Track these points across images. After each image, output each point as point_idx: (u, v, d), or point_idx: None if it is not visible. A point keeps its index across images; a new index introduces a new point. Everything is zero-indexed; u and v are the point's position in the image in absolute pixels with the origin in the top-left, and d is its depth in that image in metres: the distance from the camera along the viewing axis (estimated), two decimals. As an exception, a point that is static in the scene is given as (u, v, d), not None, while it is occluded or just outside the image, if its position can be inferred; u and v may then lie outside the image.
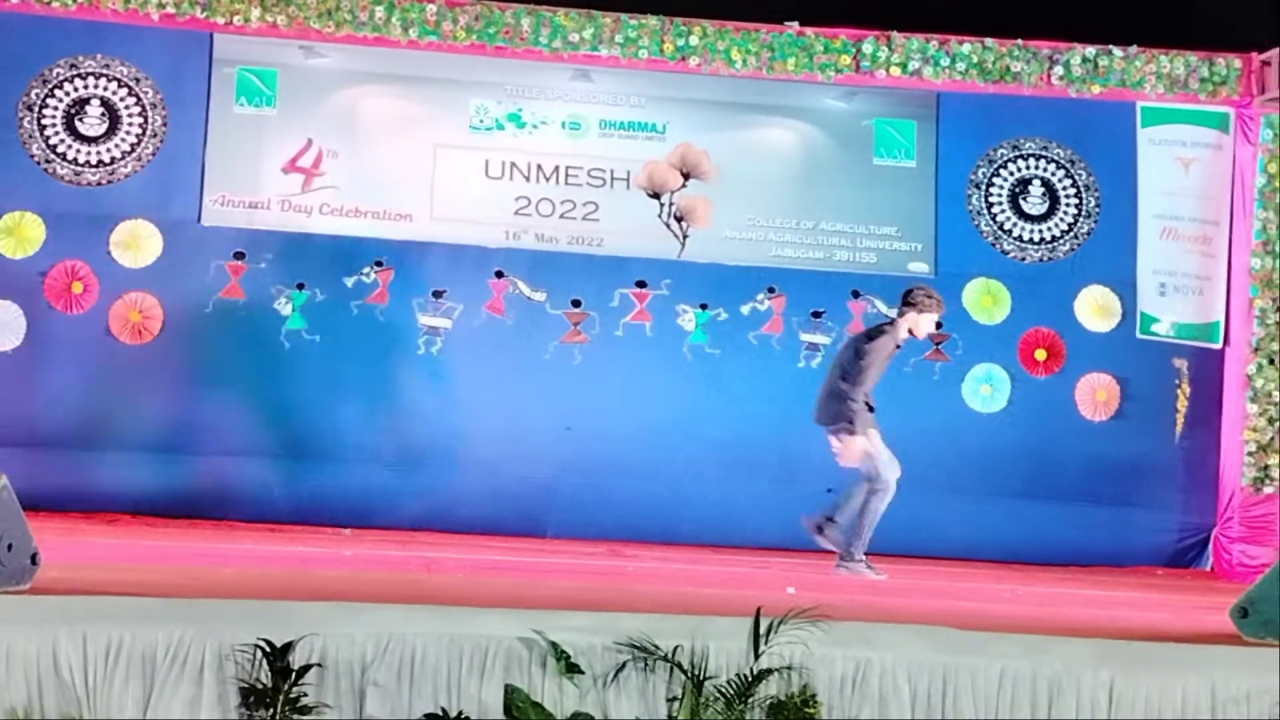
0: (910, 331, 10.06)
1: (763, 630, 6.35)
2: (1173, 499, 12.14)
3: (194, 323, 11.50)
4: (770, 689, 6.32)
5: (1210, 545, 12.04)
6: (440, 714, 6.02)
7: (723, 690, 6.24)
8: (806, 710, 6.28)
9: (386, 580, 7.91)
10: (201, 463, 11.33)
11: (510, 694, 6.09)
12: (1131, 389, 12.15)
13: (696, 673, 6.24)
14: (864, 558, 9.87)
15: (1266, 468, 11.76)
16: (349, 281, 11.62)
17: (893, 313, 11.04)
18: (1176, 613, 8.63)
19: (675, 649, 6.27)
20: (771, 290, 11.92)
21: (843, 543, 9.91)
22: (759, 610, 6.37)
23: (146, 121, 11.55)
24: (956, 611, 7.72)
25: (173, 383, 11.45)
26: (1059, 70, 11.75)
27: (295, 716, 5.92)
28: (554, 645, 6.17)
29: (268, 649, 5.93)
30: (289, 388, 11.52)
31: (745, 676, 6.28)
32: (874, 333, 10.07)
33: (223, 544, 9.72)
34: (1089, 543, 11.70)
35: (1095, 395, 12.04)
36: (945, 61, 11.71)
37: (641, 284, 11.84)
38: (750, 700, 6.26)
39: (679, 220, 11.94)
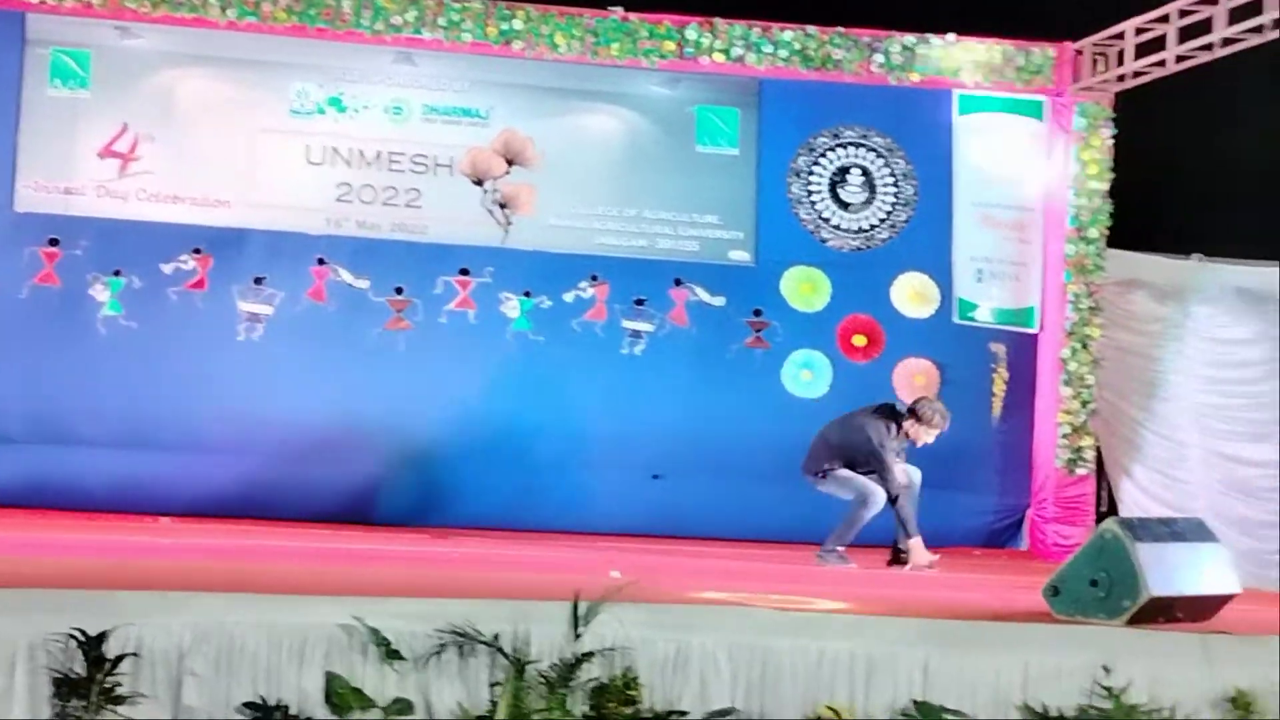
0: (908, 437, 10.29)
1: (582, 613, 6.35)
2: (989, 481, 12.36)
3: (7, 310, 11.24)
4: (593, 672, 6.31)
5: (1025, 526, 12.27)
6: (259, 703, 5.95)
7: (545, 675, 6.23)
8: (628, 693, 6.29)
9: (205, 569, 7.78)
10: (17, 451, 11.11)
11: (330, 681, 6.04)
12: (949, 374, 12.32)
13: (518, 657, 6.22)
14: (839, 550, 10.00)
15: (1080, 450, 12.01)
16: (167, 268, 11.45)
17: (716, 301, 11.18)
18: (992, 592, 8.77)
19: (496, 634, 6.24)
20: (595, 278, 11.94)
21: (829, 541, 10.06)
22: (577, 594, 6.37)
23: (-46, 103, 11.30)
24: (777, 593, 7.77)
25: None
26: (879, 58, 11.91)
27: (109, 707, 5.82)
28: (374, 631, 6.13)
29: (82, 638, 5.83)
30: (106, 375, 11.32)
31: (567, 660, 6.28)
32: (884, 415, 10.25)
33: (39, 533, 9.50)
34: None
35: (913, 380, 12.20)
36: (768, 48, 11.81)
37: (465, 271, 11.79)
38: (572, 684, 6.26)
39: (502, 207, 11.91)
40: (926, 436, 10.37)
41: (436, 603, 6.50)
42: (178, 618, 6.08)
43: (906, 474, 10.24)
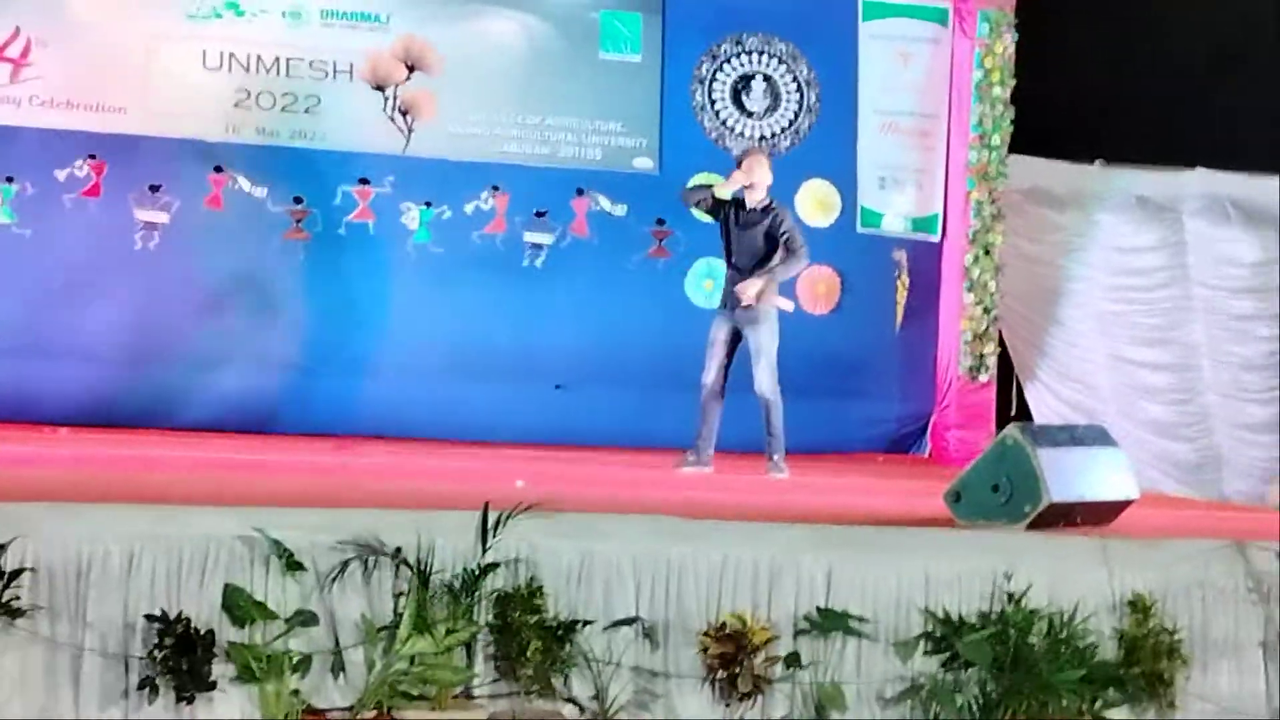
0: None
1: (490, 525, 6.32)
2: (892, 389, 12.45)
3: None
4: (497, 582, 6.29)
5: (929, 432, 12.35)
6: (160, 615, 5.88)
7: (449, 584, 6.20)
8: (533, 601, 6.27)
9: (102, 479, 7.68)
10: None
11: (231, 594, 5.98)
12: (851, 282, 12.35)
13: (423, 568, 6.19)
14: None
15: (982, 356, 12.09)
16: (60, 175, 11.23)
17: (618, 210, 11.15)
18: (894, 498, 8.83)
19: (400, 546, 6.21)
20: (496, 188, 11.84)
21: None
22: (486, 504, 6.34)
23: None
24: (679, 500, 7.79)
25: None
26: (782, -35, 11.84)
27: (8, 620, 5.74)
28: (275, 543, 6.06)
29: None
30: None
31: (472, 571, 6.25)
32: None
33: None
34: (812, 434, 11.81)
35: (815, 289, 12.21)
36: (670, -52, 11.72)
37: (365, 181, 11.65)
38: (477, 594, 6.24)
39: (403, 114, 11.75)
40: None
41: (339, 513, 6.44)
42: (75, 529, 5.99)
43: None
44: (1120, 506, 7.69)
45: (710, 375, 9.91)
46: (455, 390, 11.55)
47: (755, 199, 9.88)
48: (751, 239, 9.89)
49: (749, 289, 9.72)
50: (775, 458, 9.92)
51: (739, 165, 9.99)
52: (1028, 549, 6.87)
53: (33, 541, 5.89)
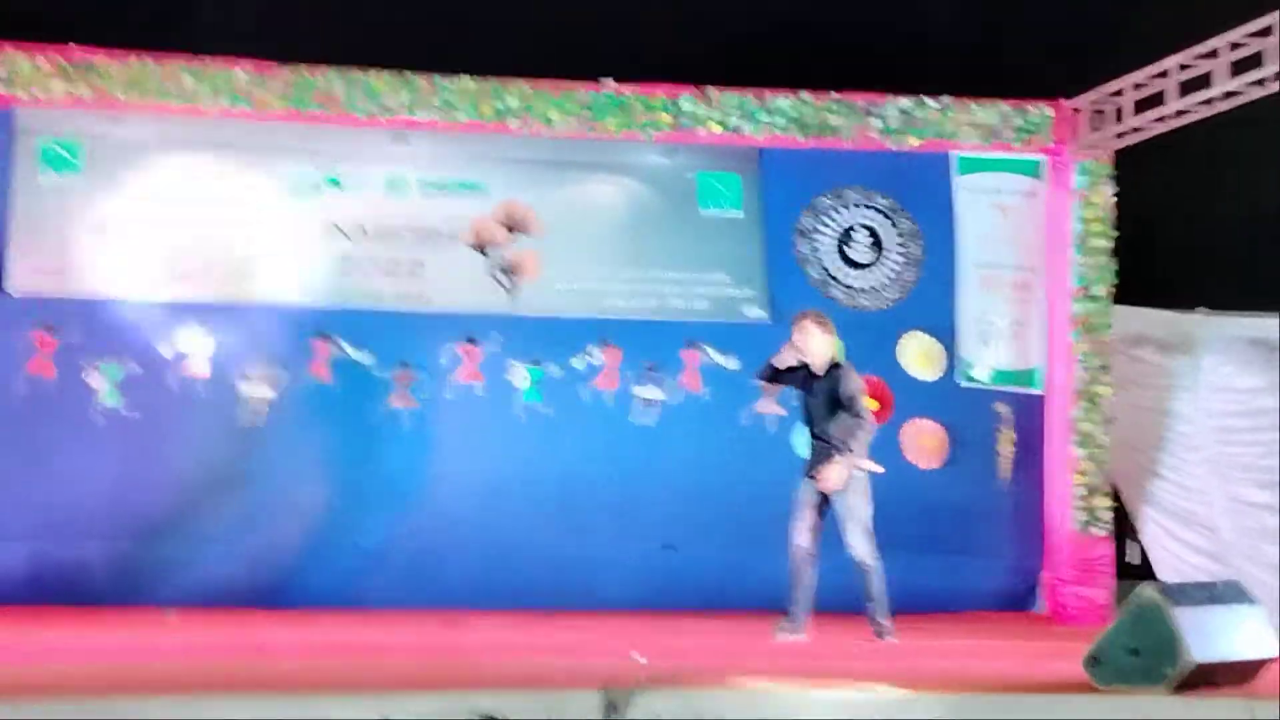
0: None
1: (613, 702, 6.18)
2: (1000, 544, 12.22)
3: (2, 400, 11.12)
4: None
5: (1039, 589, 12.11)
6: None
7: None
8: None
9: (215, 667, 7.59)
10: (16, 546, 10.90)
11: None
12: (957, 436, 12.20)
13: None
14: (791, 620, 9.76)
15: (1095, 510, 11.87)
16: (166, 353, 11.27)
17: (729, 362, 11.11)
18: (1019, 660, 8.63)
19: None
20: (604, 342, 11.82)
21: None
22: (606, 682, 6.20)
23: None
24: (805, 668, 7.63)
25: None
26: (876, 123, 11.82)
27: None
28: (407, 729, 5.95)
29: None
30: (105, 466, 11.13)
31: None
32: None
33: (38, 633, 9.30)
34: (918, 591, 11.61)
35: (921, 443, 12.08)
36: (764, 117, 11.72)
37: (472, 340, 11.65)
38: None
39: (507, 274, 11.78)
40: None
41: (461, 696, 6.31)
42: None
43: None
44: (1260, 665, 7.46)
45: (801, 538, 9.77)
46: (563, 555, 11.42)
47: (818, 366, 9.83)
48: (820, 402, 9.82)
49: (833, 479, 9.63)
50: (882, 622, 9.72)
51: (791, 330, 9.94)
52: (1172, 714, 6.67)
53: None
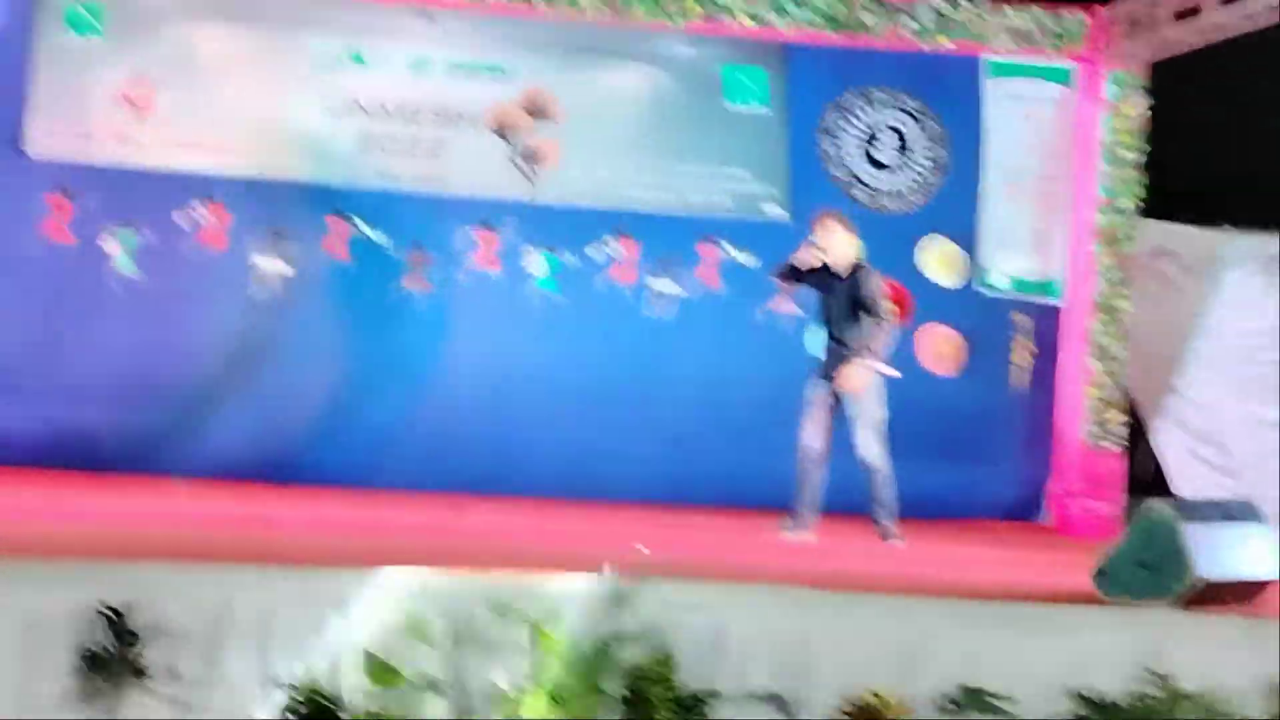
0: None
1: (616, 592, 6.17)
2: (1010, 453, 12.18)
3: (19, 260, 11.09)
4: (625, 652, 6.13)
5: (1045, 499, 12.09)
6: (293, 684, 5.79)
7: (580, 653, 6.05)
8: (664, 673, 6.11)
9: (230, 539, 7.61)
10: (27, 408, 10.89)
11: (365, 660, 5.87)
12: (973, 343, 12.14)
13: (551, 635, 6.04)
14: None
15: (1107, 423, 11.82)
16: (181, 220, 11.22)
17: (745, 258, 11.04)
18: (1027, 571, 8.67)
19: (529, 611, 6.06)
20: (622, 233, 11.75)
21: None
22: (609, 570, 6.19)
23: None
24: (800, 568, 7.64)
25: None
26: (908, 21, 11.65)
27: (135, 681, 5.66)
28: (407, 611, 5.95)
29: (110, 614, 5.65)
30: (117, 332, 11.14)
31: (602, 639, 6.09)
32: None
33: (45, 496, 9.32)
34: (924, 498, 11.58)
35: (939, 349, 12.03)
36: (794, 10, 11.53)
37: (488, 225, 11.59)
38: (606, 665, 6.08)
39: (528, 160, 11.70)
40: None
41: (466, 577, 6.33)
42: (206, 591, 5.91)
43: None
44: (1263, 585, 7.44)
45: (812, 439, 9.75)
46: (574, 445, 11.42)
47: (840, 266, 9.75)
48: (841, 304, 9.77)
49: (853, 380, 9.59)
50: (887, 524, 9.72)
51: (811, 230, 9.84)
52: (1174, 629, 6.68)
53: (162, 602, 5.81)
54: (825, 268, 9.80)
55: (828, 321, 9.88)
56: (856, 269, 9.79)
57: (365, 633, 5.96)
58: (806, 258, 9.81)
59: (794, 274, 9.96)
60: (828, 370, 9.80)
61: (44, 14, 11.20)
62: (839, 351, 9.74)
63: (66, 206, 11.11)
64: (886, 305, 9.80)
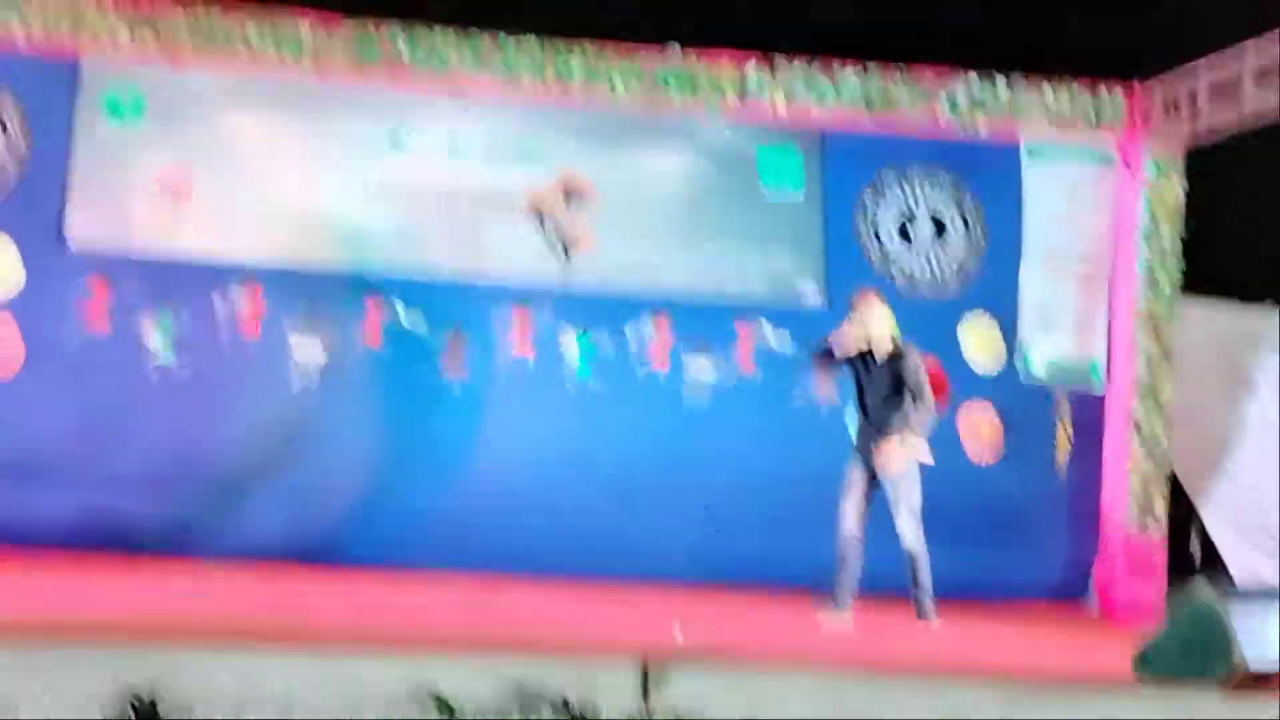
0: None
1: (650, 676, 6.09)
2: (1054, 536, 12.03)
3: (58, 348, 11.08)
4: (659, 737, 6.05)
5: (1092, 582, 11.95)
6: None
7: (614, 738, 5.97)
8: (700, 758, 6.03)
9: (257, 620, 7.58)
10: (65, 495, 10.85)
11: (392, 745, 5.80)
12: (1012, 426, 12.02)
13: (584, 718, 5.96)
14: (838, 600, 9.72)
15: (1151, 506, 11.70)
16: (220, 308, 11.24)
17: (781, 342, 11.00)
18: (1067, 653, 8.60)
19: (566, 699, 5.98)
20: (658, 317, 11.71)
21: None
22: (645, 655, 6.11)
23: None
24: (838, 650, 7.55)
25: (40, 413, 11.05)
26: (944, 104, 11.62)
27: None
28: (437, 698, 5.87)
29: (135, 701, 5.60)
30: (156, 420, 11.12)
31: (636, 725, 6.01)
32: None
33: (79, 580, 9.29)
34: (970, 580, 11.49)
35: (979, 432, 11.93)
36: (830, 94, 11.52)
37: (524, 309, 11.56)
38: (642, 751, 6.00)
39: (564, 244, 11.69)
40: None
41: (498, 660, 6.27)
42: (229, 673, 5.85)
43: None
44: (1313, 669, 7.31)
45: (849, 521, 9.70)
46: (606, 530, 11.30)
47: (881, 350, 9.72)
48: (879, 384, 9.74)
49: (896, 462, 9.55)
50: (927, 606, 9.64)
51: (851, 308, 9.80)
52: (1218, 713, 6.55)
53: (188, 684, 5.75)
54: (863, 352, 9.77)
55: (862, 404, 9.83)
56: (895, 353, 9.75)
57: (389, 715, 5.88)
58: (846, 343, 9.77)
59: (831, 358, 9.93)
60: (863, 451, 9.74)
61: (84, 101, 11.28)
62: (873, 432, 9.69)
63: (105, 294, 11.13)
64: (928, 387, 9.75)
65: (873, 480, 9.71)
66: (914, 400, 9.66)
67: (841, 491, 9.76)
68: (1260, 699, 6.78)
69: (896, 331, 9.95)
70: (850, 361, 9.89)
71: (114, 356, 11.15)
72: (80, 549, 10.51)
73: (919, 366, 9.74)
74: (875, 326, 9.76)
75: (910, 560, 9.67)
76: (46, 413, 11.02)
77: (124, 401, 11.13)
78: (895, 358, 9.74)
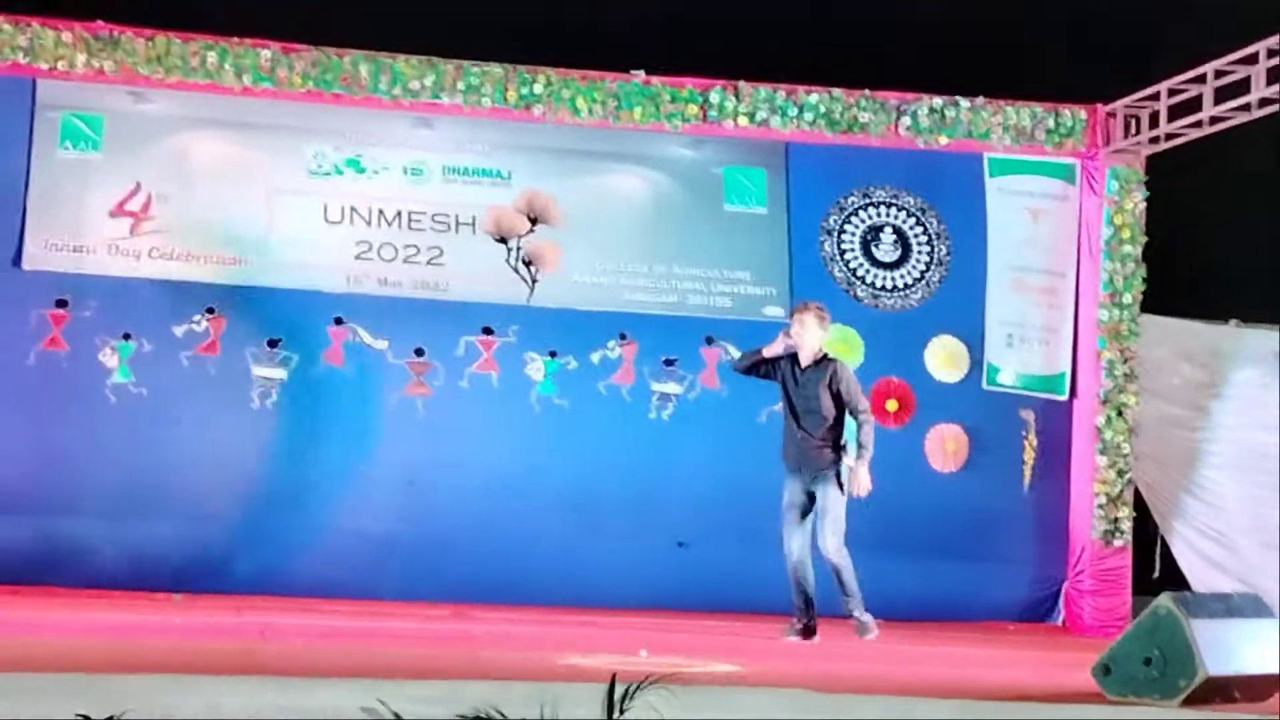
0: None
1: (616, 698, 6.04)
2: (1022, 552, 12.06)
3: (14, 374, 10.99)
4: (624, 760, 6.01)
5: (1061, 599, 11.94)
6: (274, 791, 5.66)
7: (576, 762, 5.92)
8: (665, 781, 5.98)
9: (218, 650, 7.52)
10: (21, 523, 10.74)
11: (350, 772, 5.74)
12: (979, 440, 12.04)
13: (547, 743, 5.92)
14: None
15: (1116, 520, 11.71)
16: (179, 330, 11.18)
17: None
18: (1034, 670, 8.52)
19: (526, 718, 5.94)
20: (623, 337, 11.70)
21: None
22: (614, 677, 6.07)
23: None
24: (814, 672, 7.51)
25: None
26: (906, 121, 11.64)
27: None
28: (397, 717, 5.82)
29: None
30: (115, 443, 11.03)
31: (600, 749, 5.96)
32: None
33: (42, 612, 9.22)
34: (939, 598, 11.51)
35: (945, 446, 11.94)
36: (793, 112, 11.54)
37: (488, 331, 11.53)
38: (606, 773, 5.95)
39: (527, 265, 11.66)
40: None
41: (457, 685, 6.23)
42: (189, 701, 5.79)
43: None
44: (1276, 681, 7.29)
45: (794, 545, 9.73)
46: (575, 550, 11.28)
47: (806, 358, 9.72)
48: (810, 397, 9.71)
49: (863, 482, 9.57)
50: (858, 615, 9.65)
51: (790, 316, 9.85)
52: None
53: (147, 715, 5.69)
54: (790, 360, 9.76)
55: (795, 415, 9.80)
56: (823, 359, 9.75)
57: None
58: (776, 347, 9.79)
59: (755, 364, 9.91)
60: (797, 464, 9.73)
61: (41, 125, 11.20)
62: (807, 443, 9.68)
63: (63, 318, 11.05)
64: (865, 402, 9.77)
65: (809, 498, 9.71)
66: (861, 416, 9.66)
67: (782, 517, 9.74)
68: (1224, 711, 6.78)
69: (860, 354, 9.95)
70: (778, 367, 9.86)
71: (72, 379, 11.06)
72: (38, 579, 10.46)
73: (853, 380, 9.76)
74: (807, 339, 9.76)
75: (834, 571, 9.66)
76: (2, 437, 10.93)
77: (81, 423, 11.04)
78: (825, 368, 9.71)
